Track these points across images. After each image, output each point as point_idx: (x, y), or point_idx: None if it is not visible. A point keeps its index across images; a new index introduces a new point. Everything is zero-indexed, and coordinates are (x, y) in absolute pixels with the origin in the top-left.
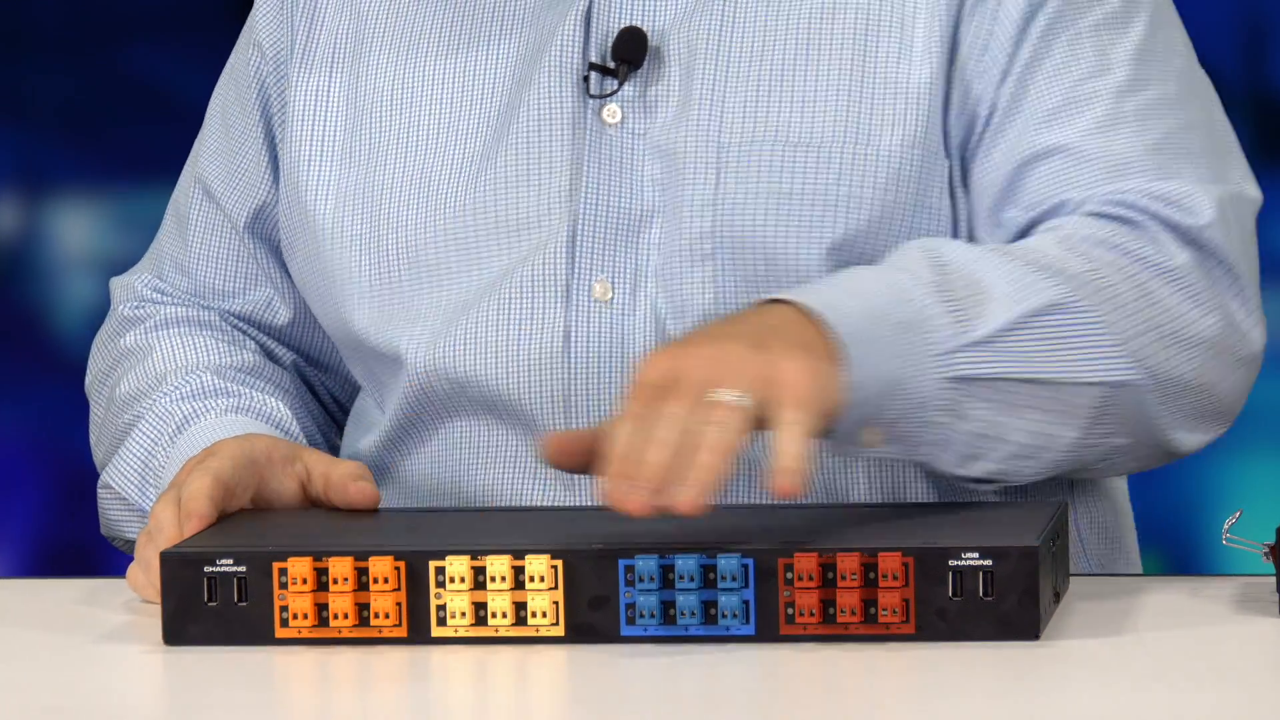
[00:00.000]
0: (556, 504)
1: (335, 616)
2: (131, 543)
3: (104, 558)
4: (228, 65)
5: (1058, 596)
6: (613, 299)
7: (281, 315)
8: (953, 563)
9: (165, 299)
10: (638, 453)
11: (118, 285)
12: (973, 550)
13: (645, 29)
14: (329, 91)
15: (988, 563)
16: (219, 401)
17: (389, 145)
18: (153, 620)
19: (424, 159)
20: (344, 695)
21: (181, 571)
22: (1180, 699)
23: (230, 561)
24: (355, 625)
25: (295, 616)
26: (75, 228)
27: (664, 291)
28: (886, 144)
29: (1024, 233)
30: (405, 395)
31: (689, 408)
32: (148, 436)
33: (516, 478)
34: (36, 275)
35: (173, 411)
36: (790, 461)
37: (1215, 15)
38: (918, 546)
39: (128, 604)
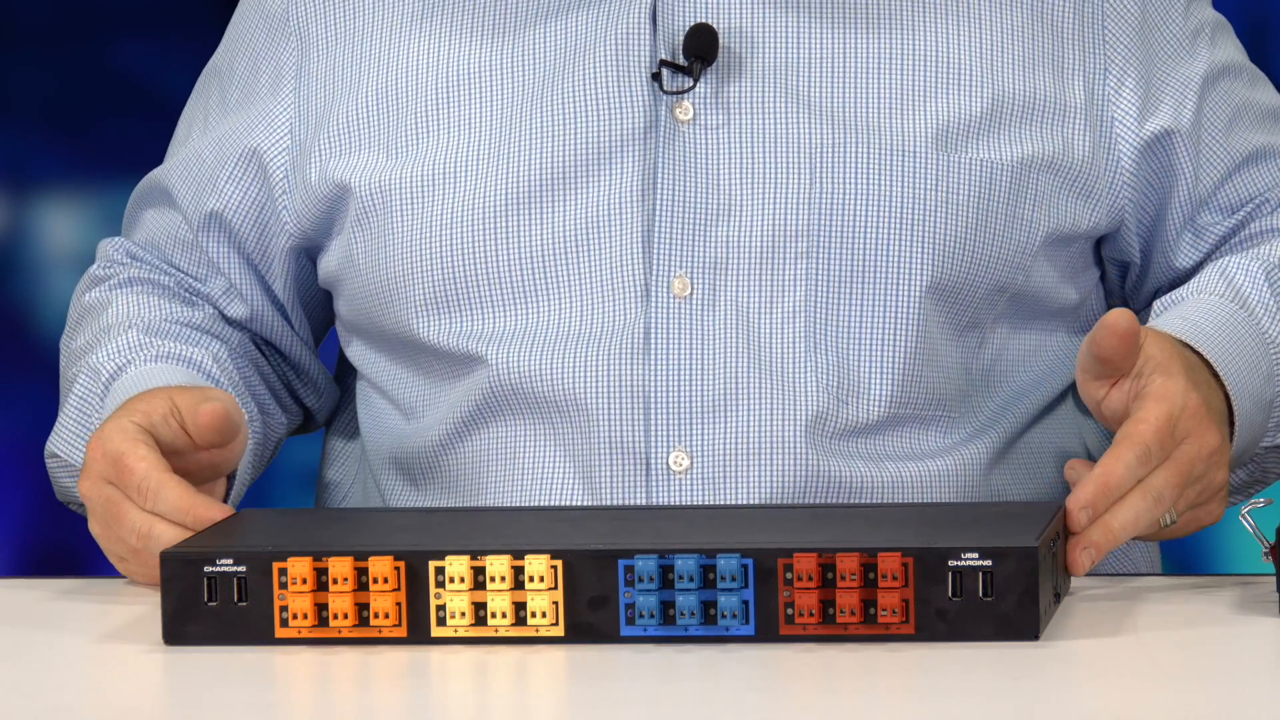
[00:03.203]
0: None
1: (335, 616)
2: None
3: (92, 559)
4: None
5: (1058, 596)
6: (690, 294)
7: (237, 309)
8: (952, 563)
9: (133, 262)
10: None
11: (100, 247)
12: (972, 550)
13: (715, 26)
14: (365, 75)
15: (987, 563)
16: (141, 354)
17: (444, 137)
18: (153, 620)
19: (486, 152)
20: (344, 695)
21: (181, 571)
22: (1180, 699)
23: (230, 561)
24: (355, 625)
25: (295, 616)
26: (60, 225)
27: (750, 287)
28: (978, 154)
29: (1229, 235)
30: (470, 395)
31: (1176, 488)
32: (80, 398)
33: (576, 481)
34: (21, 273)
35: (100, 369)
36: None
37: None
38: (917, 547)
39: (127, 604)
